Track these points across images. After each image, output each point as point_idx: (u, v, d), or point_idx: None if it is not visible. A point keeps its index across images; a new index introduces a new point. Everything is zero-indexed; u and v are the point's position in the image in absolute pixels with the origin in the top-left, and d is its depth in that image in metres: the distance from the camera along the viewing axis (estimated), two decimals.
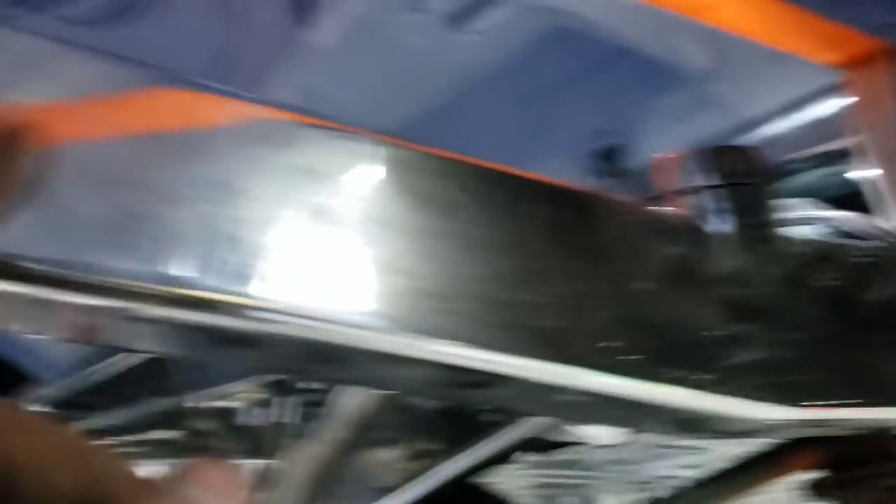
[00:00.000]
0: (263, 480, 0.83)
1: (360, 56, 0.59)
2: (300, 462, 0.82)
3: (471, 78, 0.68)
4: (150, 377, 0.88)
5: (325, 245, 0.34)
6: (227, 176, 0.33)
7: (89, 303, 0.30)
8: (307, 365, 0.35)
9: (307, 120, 0.37)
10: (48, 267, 0.29)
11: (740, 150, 0.46)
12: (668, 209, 0.45)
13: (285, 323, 0.31)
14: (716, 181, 0.44)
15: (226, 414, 0.85)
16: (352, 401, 0.81)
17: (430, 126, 0.68)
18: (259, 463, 0.84)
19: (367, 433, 0.83)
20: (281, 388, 0.84)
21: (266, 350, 0.32)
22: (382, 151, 0.36)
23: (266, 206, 0.33)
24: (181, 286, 0.31)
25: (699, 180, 0.45)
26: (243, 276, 0.31)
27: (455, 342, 0.33)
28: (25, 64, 0.33)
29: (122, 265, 0.30)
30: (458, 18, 0.62)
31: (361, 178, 0.36)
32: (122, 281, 0.30)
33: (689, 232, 0.43)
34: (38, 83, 0.33)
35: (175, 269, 0.31)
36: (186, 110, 0.35)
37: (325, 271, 0.33)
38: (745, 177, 0.45)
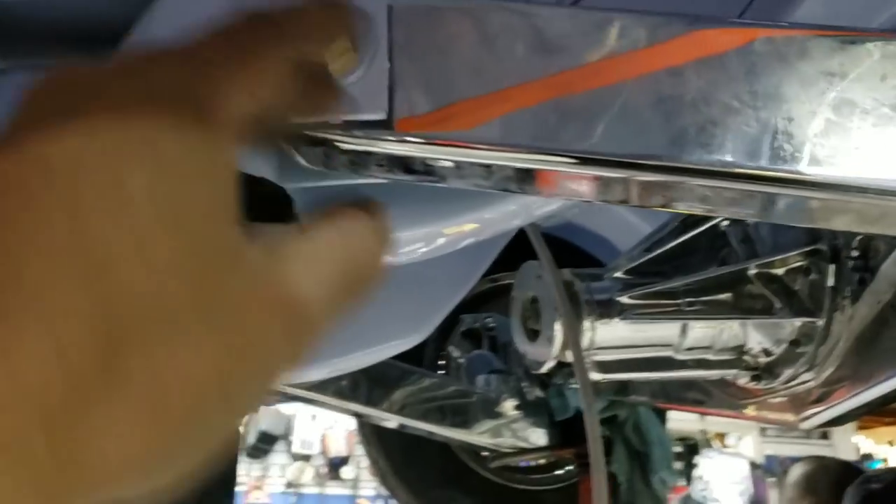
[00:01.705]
0: (805, 337, 0.94)
1: None
2: (844, 322, 0.91)
3: None
4: (711, 248, 1.05)
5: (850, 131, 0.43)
6: (773, 87, 0.44)
7: (670, 180, 0.45)
8: None
9: (822, 33, 0.45)
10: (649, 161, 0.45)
11: None
12: None
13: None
14: None
15: (777, 279, 0.97)
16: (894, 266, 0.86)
17: None
18: (806, 321, 0.94)
19: None
20: (826, 256, 0.92)
21: None
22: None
23: (803, 105, 0.44)
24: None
25: None
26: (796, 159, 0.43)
27: None
28: (590, 32, 0.48)
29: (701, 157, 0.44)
30: None
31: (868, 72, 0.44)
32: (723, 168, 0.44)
33: None
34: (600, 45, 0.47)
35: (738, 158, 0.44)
36: (726, 42, 0.46)
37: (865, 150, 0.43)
38: None
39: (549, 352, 0.97)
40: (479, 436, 1.67)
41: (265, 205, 0.45)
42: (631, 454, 1.63)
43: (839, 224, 0.47)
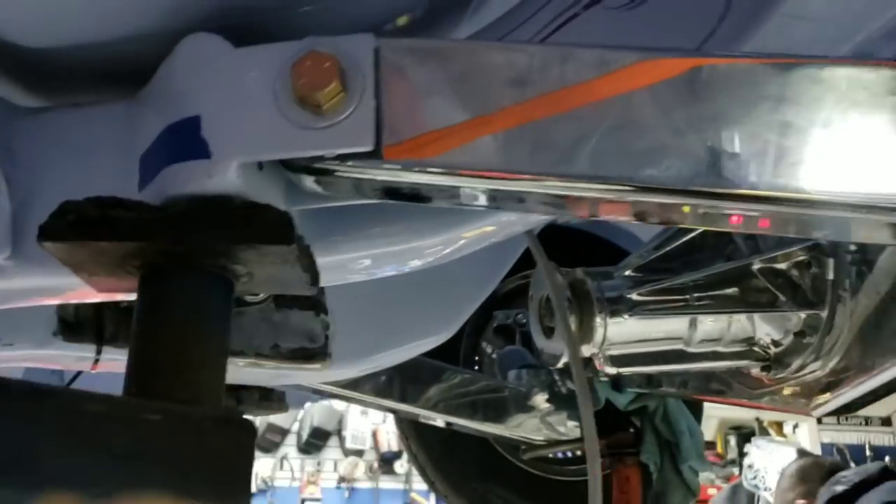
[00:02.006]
0: (810, 328, 0.97)
1: None
2: (846, 314, 0.94)
3: None
4: (717, 246, 1.08)
5: (790, 149, 0.48)
6: (720, 111, 0.49)
7: (660, 200, 0.50)
8: None
9: (776, 61, 0.50)
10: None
11: None
12: None
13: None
14: None
15: (780, 273, 1.01)
16: (892, 259, 0.89)
17: None
18: (810, 313, 0.97)
19: None
20: (826, 250, 0.95)
21: None
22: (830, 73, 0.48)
23: (749, 126, 0.48)
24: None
25: None
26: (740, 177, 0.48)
27: None
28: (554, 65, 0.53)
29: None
30: None
31: (815, 97, 0.48)
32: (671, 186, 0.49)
33: None
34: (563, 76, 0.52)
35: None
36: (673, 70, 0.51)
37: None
38: None
39: (563, 347, 1.02)
40: (512, 429, 1.72)
41: (269, 229, 0.51)
42: (661, 444, 1.66)
43: (790, 232, 0.51)
